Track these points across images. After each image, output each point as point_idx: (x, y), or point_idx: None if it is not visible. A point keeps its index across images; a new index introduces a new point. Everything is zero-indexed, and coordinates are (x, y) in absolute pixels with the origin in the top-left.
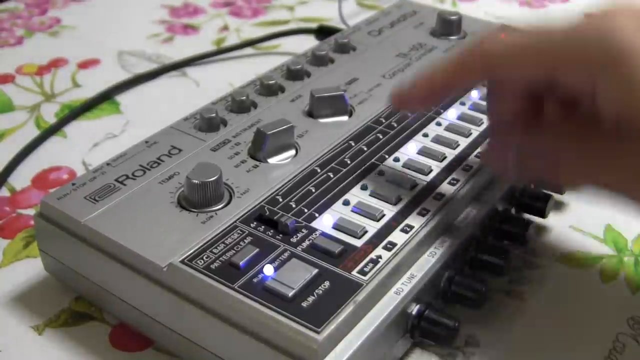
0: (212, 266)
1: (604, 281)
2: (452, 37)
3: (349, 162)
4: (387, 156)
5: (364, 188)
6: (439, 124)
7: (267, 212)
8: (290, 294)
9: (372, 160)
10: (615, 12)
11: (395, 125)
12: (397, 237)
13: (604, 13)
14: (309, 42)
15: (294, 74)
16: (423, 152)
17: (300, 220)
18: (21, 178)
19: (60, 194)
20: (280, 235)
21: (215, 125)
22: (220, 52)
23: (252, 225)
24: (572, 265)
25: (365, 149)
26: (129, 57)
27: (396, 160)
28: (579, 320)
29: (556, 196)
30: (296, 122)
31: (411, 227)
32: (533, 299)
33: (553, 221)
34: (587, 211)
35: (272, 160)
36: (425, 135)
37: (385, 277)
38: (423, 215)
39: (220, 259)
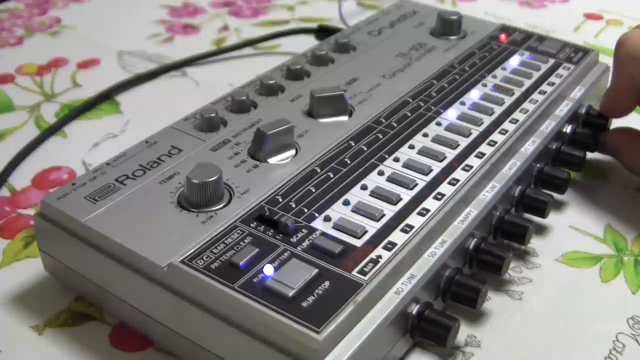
0: (212, 266)
1: (604, 281)
2: (452, 37)
3: (349, 162)
4: (387, 156)
5: (364, 188)
6: (439, 124)
7: (267, 212)
8: (290, 294)
9: (372, 160)
10: None
11: (395, 125)
12: (397, 237)
13: None
14: (309, 42)
15: (294, 74)
16: (423, 152)
17: (300, 220)
18: (21, 178)
19: (60, 194)
20: (280, 235)
21: (215, 125)
22: (220, 52)
23: (252, 225)
24: (572, 265)
25: (365, 149)
26: (129, 57)
27: (396, 160)
28: (579, 320)
29: (556, 196)
30: (296, 122)
31: (411, 227)
32: (533, 299)
33: (553, 221)
34: (587, 211)
35: (272, 160)
36: (425, 135)
37: (385, 277)
38: (423, 215)
39: (220, 259)
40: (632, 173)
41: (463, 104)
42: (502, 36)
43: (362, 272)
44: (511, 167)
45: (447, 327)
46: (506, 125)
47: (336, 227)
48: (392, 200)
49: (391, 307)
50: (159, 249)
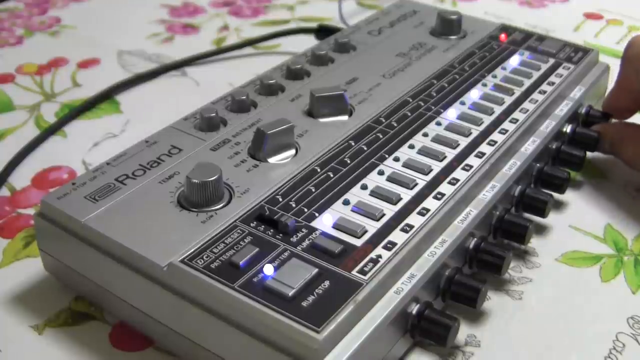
0: (212, 266)
1: (604, 281)
2: (452, 37)
3: (349, 161)
4: (387, 156)
5: (364, 188)
6: (439, 124)
7: (267, 212)
8: (291, 293)
9: (372, 160)
10: None
11: (395, 125)
12: (397, 236)
13: None
14: (309, 42)
15: (294, 73)
16: (423, 152)
17: (300, 219)
18: (21, 178)
19: (60, 194)
20: (280, 234)
21: (215, 125)
22: (220, 52)
23: (252, 224)
24: (572, 265)
25: (365, 148)
26: (129, 57)
27: (396, 160)
28: (579, 320)
29: (556, 196)
30: (296, 122)
31: (411, 227)
32: (533, 299)
33: (553, 221)
34: (587, 211)
35: (272, 160)
36: (425, 135)
37: (385, 277)
38: (423, 215)
39: (220, 258)
40: (632, 168)
41: (463, 103)
42: (502, 36)
43: (362, 272)
44: (511, 167)
45: (447, 326)
46: (506, 125)
47: (336, 226)
48: (392, 200)
49: (391, 307)
50: (159, 248)
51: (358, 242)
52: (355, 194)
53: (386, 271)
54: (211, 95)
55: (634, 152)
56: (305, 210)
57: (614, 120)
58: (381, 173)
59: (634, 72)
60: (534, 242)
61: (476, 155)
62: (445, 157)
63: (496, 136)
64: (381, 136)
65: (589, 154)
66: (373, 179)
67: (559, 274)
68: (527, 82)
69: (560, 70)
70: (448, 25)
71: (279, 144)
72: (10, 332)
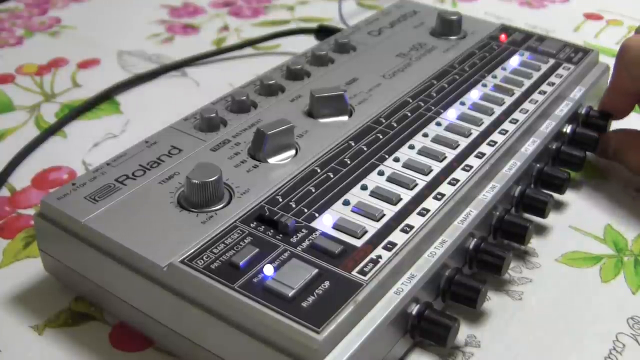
0: (212, 266)
1: (604, 281)
2: (452, 37)
3: (349, 162)
4: (387, 156)
5: (364, 188)
6: (439, 124)
7: (267, 212)
8: (290, 294)
9: (372, 160)
10: None
11: (395, 125)
12: (397, 237)
13: None
14: (309, 42)
15: (294, 74)
16: (423, 152)
17: (300, 220)
18: (21, 178)
19: (60, 194)
20: (280, 235)
21: (215, 125)
22: (220, 52)
23: (252, 225)
24: (572, 265)
25: (365, 149)
26: (129, 57)
27: (396, 160)
28: (579, 320)
29: (556, 196)
30: (296, 122)
31: (411, 227)
32: (533, 299)
33: (553, 221)
34: (587, 211)
35: (272, 160)
36: (425, 135)
37: (385, 277)
38: (423, 215)
39: (220, 259)
40: (638, 175)
41: (463, 104)
42: (502, 36)
43: (362, 272)
44: (511, 167)
45: (447, 327)
46: (506, 125)
47: (336, 227)
48: (392, 200)
49: (391, 307)
50: (159, 249)
51: (358, 243)
52: (355, 195)
53: (386, 271)
54: (211, 95)
55: (638, 160)
56: (305, 210)
57: (614, 127)
58: (381, 173)
59: (627, 75)
60: (534, 243)
61: (476, 156)
62: (445, 157)
63: (496, 136)
64: (381, 136)
65: (589, 154)
66: (373, 180)
67: (559, 275)
68: (527, 83)
69: (560, 71)
70: (448, 26)
71: (279, 144)
72: (10, 332)
